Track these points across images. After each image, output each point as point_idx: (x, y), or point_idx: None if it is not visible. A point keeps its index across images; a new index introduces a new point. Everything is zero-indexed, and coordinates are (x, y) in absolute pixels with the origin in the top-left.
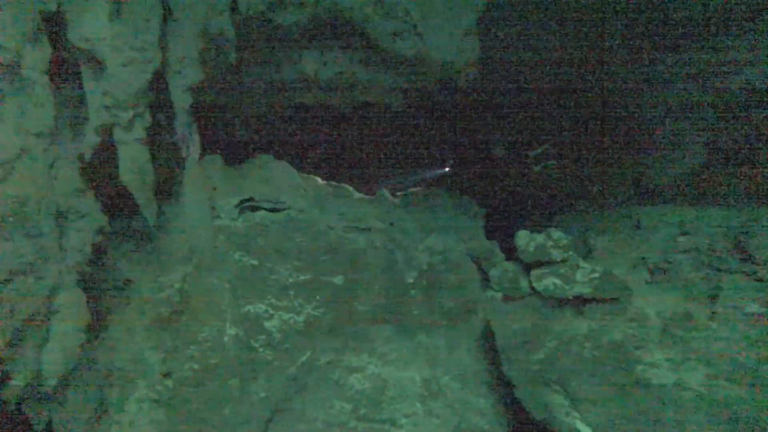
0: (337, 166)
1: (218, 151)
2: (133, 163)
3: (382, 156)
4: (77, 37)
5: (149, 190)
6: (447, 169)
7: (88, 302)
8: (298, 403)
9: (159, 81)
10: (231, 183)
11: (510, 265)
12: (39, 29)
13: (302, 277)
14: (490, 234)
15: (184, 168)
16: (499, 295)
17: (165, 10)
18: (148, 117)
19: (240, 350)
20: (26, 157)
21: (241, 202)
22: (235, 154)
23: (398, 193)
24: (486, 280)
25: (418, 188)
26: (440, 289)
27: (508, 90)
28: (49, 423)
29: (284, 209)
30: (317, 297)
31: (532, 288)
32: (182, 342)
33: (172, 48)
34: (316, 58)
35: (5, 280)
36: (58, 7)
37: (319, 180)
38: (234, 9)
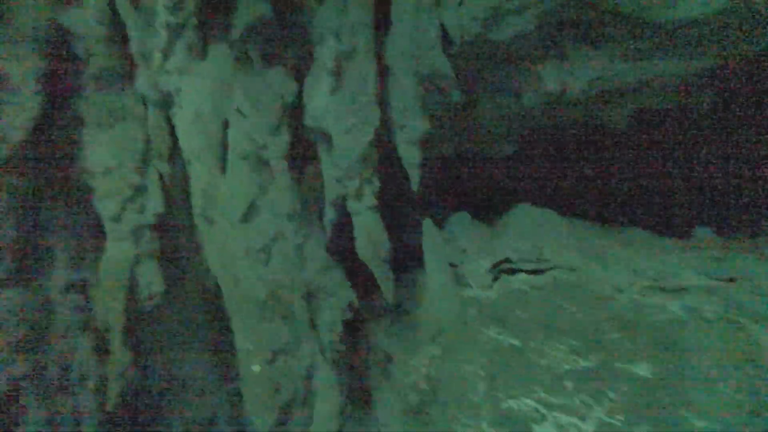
0: (619, 203)
1: (464, 207)
2: (366, 233)
3: (683, 180)
4: (310, 117)
5: (384, 261)
6: None
7: (345, 381)
8: None
9: (383, 140)
10: (482, 243)
11: None
12: (280, 120)
13: (584, 363)
14: None
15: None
16: None
17: (380, 63)
18: (376, 181)
19: None
20: (281, 240)
21: (495, 265)
22: (485, 208)
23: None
24: None
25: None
26: None
27: None
28: None
29: (549, 269)
30: (610, 394)
31: None
32: None
33: (392, 102)
34: (559, 67)
35: (270, 360)
36: (296, 97)
37: (593, 225)
38: (445, 39)
